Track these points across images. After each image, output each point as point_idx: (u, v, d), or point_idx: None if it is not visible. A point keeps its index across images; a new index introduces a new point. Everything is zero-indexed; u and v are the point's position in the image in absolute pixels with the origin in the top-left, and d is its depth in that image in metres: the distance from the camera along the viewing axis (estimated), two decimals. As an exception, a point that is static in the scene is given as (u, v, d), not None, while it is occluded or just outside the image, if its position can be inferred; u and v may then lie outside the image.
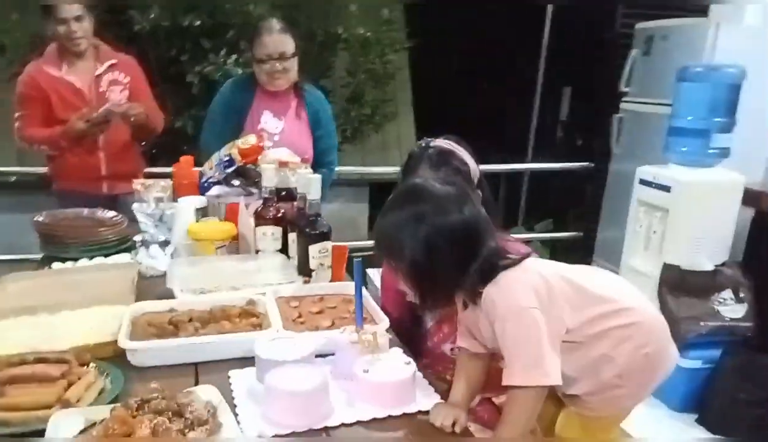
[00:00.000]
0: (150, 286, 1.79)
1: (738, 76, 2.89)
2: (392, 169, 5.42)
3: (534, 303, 1.20)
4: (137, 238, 2.05)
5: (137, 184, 2.21)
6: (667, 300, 2.78)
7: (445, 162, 1.62)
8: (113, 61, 2.80)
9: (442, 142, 1.68)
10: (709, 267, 2.79)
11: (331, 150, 2.84)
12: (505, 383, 1.21)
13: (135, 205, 2.12)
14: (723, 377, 2.69)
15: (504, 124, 6.36)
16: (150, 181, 2.24)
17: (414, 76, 5.95)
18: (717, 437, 2.66)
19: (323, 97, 2.87)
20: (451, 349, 1.65)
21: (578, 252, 4.29)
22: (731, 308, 2.73)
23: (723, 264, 2.84)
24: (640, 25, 3.72)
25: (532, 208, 5.77)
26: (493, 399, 1.72)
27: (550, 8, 5.55)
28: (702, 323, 2.71)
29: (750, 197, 2.89)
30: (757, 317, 2.74)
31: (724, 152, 2.92)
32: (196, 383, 1.29)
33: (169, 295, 1.63)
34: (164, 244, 2.02)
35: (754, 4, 3.21)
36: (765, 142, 3.02)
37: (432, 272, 1.24)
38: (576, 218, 4.97)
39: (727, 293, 2.75)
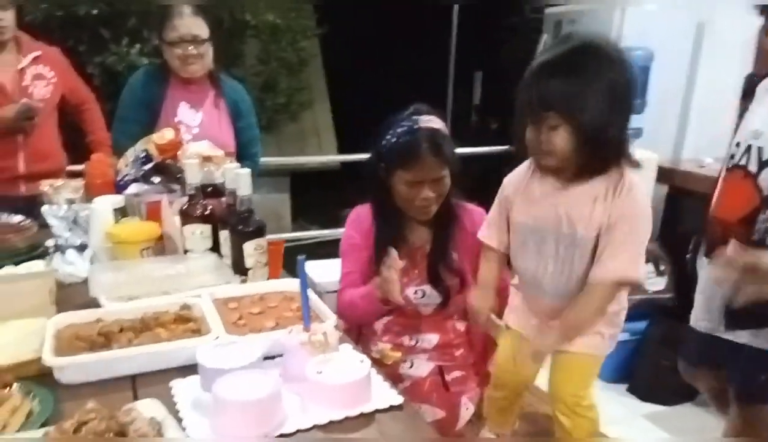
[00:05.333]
0: (71, 295, 1.63)
1: (647, 57, 3.01)
2: (312, 159, 5.38)
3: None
4: (49, 243, 1.89)
5: (45, 185, 2.05)
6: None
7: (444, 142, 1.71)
8: (37, 53, 2.61)
9: (430, 120, 1.73)
10: (631, 243, 2.91)
11: (254, 141, 2.73)
12: (600, 276, 1.39)
13: (45, 209, 1.95)
14: (649, 348, 2.82)
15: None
16: (59, 182, 2.08)
17: (327, 63, 5.87)
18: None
19: (242, 87, 2.75)
20: (415, 292, 1.80)
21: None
22: (653, 281, 2.86)
23: (643, 239, 2.96)
24: (550, 11, 3.80)
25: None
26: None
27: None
28: (628, 297, 2.81)
29: (663, 174, 3.03)
30: (676, 289, 2.88)
31: (637, 132, 3.03)
32: (135, 398, 1.20)
33: (94, 304, 1.50)
34: (81, 248, 1.86)
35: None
36: (673, 121, 3.16)
37: (609, 125, 1.33)
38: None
39: (649, 267, 2.88)
